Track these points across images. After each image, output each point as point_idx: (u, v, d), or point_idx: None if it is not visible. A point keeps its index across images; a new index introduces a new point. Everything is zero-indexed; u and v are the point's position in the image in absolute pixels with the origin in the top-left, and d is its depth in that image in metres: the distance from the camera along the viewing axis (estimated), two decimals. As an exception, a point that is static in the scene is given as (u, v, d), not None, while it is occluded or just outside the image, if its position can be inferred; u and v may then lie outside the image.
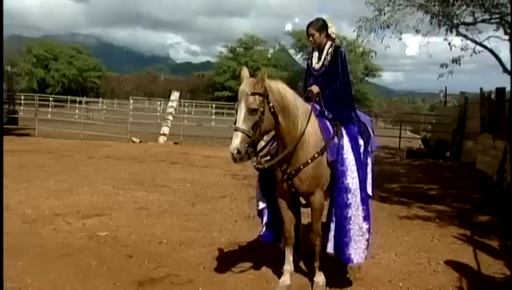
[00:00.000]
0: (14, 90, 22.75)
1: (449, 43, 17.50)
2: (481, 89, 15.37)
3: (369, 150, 4.58)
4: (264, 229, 4.64)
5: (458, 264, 5.32)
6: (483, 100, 14.81)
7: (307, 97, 4.43)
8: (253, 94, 3.71)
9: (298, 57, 60.17)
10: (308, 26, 4.52)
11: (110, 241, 5.71)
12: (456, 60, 17.46)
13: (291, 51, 63.43)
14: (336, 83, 4.41)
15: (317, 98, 4.43)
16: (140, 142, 18.47)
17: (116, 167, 11.66)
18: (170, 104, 20.53)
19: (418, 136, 25.35)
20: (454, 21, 17.21)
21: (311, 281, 4.47)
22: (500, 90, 13.42)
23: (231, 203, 8.06)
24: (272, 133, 4.09)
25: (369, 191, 4.47)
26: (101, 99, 45.91)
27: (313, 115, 4.15)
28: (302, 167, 4.05)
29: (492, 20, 17.04)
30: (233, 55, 62.73)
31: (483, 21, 17.19)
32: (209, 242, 5.81)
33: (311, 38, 4.51)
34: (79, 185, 8.93)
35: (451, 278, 4.97)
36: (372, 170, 4.65)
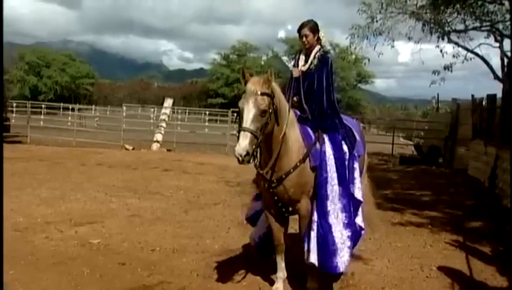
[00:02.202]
0: (6, 98, 22.65)
1: (441, 50, 17.75)
2: (472, 95, 15.51)
3: (355, 154, 4.49)
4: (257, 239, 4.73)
5: (450, 270, 5.34)
6: (474, 107, 14.93)
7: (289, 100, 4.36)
8: (262, 94, 3.64)
9: (291, 64, 60.38)
10: (302, 26, 4.42)
11: (103, 249, 5.68)
12: (448, 67, 17.69)
13: (285, 58, 63.78)
14: (321, 88, 4.33)
15: (295, 101, 4.38)
16: (133, 149, 18.41)
17: (109, 174, 11.61)
18: (163, 111, 20.51)
19: (410, 143, 25.48)
20: (446, 28, 17.46)
21: (304, 287, 4.46)
22: (491, 97, 13.53)
23: (224, 210, 8.04)
24: None
25: (359, 196, 4.40)
26: (94, 106, 45.80)
27: (296, 122, 4.12)
28: (284, 176, 3.99)
29: (483, 28, 17.29)
30: (226, 62, 62.87)
31: (474, 28, 17.44)
32: (202, 249, 5.79)
33: (304, 39, 4.41)
34: (71, 193, 8.88)
35: (444, 283, 4.98)
36: (360, 173, 4.57)
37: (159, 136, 19.26)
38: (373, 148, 18.82)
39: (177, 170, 12.81)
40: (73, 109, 30.00)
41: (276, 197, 4.15)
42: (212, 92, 61.10)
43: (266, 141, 3.87)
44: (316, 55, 4.42)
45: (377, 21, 17.26)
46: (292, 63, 4.79)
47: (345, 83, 59.08)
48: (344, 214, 4.14)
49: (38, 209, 7.48)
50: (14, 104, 31.96)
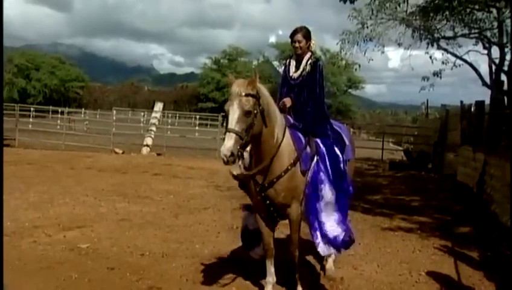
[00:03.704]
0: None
1: (430, 57, 17.95)
2: (461, 101, 15.64)
3: (344, 158, 4.54)
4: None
5: (439, 275, 5.37)
6: (463, 113, 15.04)
7: (280, 108, 4.37)
8: (246, 95, 3.66)
9: (282, 69, 60.58)
10: (295, 32, 4.46)
11: (92, 254, 5.64)
12: (437, 73, 17.90)
13: (275, 63, 63.96)
14: (312, 94, 4.40)
15: (284, 105, 4.41)
16: (123, 153, 18.33)
17: (99, 178, 11.54)
18: (154, 115, 20.46)
19: (400, 148, 25.63)
20: (435, 35, 17.66)
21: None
22: (480, 103, 13.65)
23: (214, 215, 8.03)
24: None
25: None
26: (83, 109, 45.45)
27: (286, 126, 4.14)
28: (275, 179, 4.01)
29: (471, 35, 17.51)
30: (217, 66, 62.90)
31: (463, 35, 17.66)
32: (192, 254, 5.77)
33: (297, 44, 4.44)
34: (60, 197, 8.81)
35: (432, 288, 5.02)
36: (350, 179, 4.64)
37: (149, 140, 19.20)
38: (363, 154, 18.95)
39: (167, 174, 12.78)
40: (62, 112, 29.82)
41: (267, 201, 4.15)
42: (202, 96, 61.03)
43: (256, 144, 3.91)
44: (308, 62, 4.46)
45: (367, 27, 17.40)
46: (283, 68, 4.81)
47: (335, 88, 59.33)
48: (337, 215, 4.22)
49: (26, 214, 7.41)
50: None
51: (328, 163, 4.22)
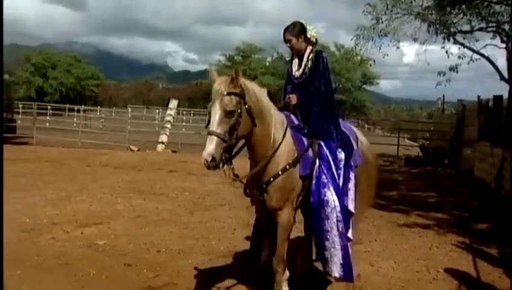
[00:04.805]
0: (12, 99, 22.71)
1: (446, 51, 17.69)
2: (478, 96, 15.43)
3: (352, 163, 4.17)
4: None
5: (457, 272, 5.31)
6: (480, 108, 14.85)
7: (284, 106, 4.13)
8: (229, 94, 3.40)
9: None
10: (285, 31, 4.14)
11: (109, 250, 5.69)
12: (453, 68, 17.65)
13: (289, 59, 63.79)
14: (317, 92, 4.05)
15: (289, 102, 4.14)
16: (138, 150, 18.43)
17: (115, 175, 11.63)
18: (168, 112, 20.53)
19: (416, 144, 25.38)
20: (452, 29, 17.40)
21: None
22: (498, 98, 13.46)
23: (230, 212, 8.04)
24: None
25: (351, 207, 4.09)
26: (99, 107, 45.77)
27: (287, 125, 3.87)
28: (272, 179, 3.73)
29: (489, 29, 17.22)
30: (231, 63, 62.96)
31: (480, 29, 17.37)
32: (208, 251, 5.80)
33: (288, 45, 4.17)
34: (77, 194, 8.90)
35: (451, 286, 4.96)
36: (355, 185, 4.21)
37: (164, 138, 19.28)
38: (378, 150, 18.79)
39: (182, 171, 12.83)
40: (78, 110, 30.12)
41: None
42: (216, 93, 61.18)
43: (250, 146, 3.73)
44: (309, 58, 4.14)
45: (382, 22, 17.24)
46: (288, 67, 4.45)
47: (350, 84, 59.03)
48: (340, 225, 3.86)
49: (45, 210, 7.51)
50: (20, 106, 32.09)
51: (332, 166, 3.94)
